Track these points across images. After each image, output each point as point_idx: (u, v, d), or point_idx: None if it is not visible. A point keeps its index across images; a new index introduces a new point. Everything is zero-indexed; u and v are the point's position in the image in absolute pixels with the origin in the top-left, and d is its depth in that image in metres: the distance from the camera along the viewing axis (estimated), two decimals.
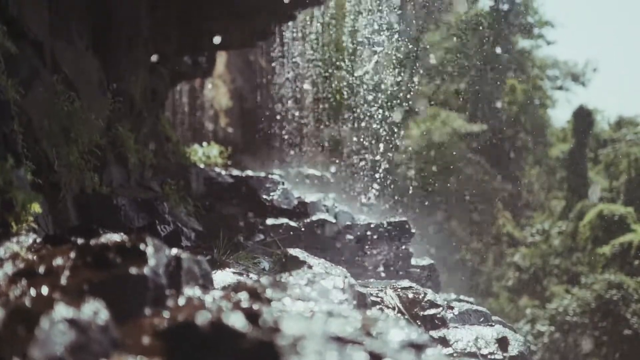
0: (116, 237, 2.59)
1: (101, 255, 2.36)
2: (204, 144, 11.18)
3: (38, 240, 2.89)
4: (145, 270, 2.24)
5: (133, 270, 2.23)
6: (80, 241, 2.62)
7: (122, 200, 5.08)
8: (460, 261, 26.32)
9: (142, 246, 2.36)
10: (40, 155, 4.66)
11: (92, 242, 2.48)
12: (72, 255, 2.40)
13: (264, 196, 6.91)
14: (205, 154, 10.58)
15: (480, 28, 26.47)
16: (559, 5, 68.80)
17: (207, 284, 2.80)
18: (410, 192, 22.24)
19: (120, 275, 2.23)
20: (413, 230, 7.26)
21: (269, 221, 6.48)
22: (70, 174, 4.73)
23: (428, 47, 26.31)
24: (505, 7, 27.09)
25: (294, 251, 3.62)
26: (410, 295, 3.88)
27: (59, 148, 4.67)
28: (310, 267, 3.39)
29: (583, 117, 30.74)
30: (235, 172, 8.73)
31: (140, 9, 7.04)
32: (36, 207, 2.85)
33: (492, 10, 27.08)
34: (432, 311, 3.76)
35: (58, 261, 2.38)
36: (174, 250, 2.62)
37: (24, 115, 4.73)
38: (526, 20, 28.09)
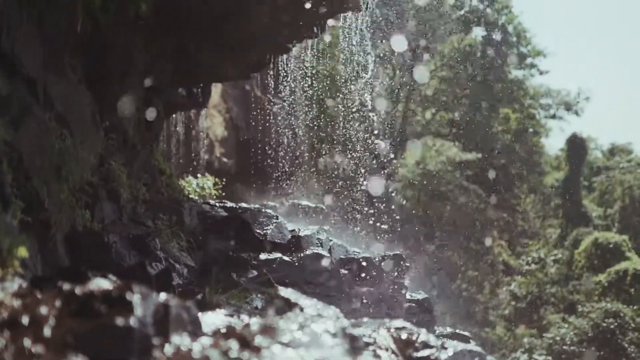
0: (104, 283, 2.54)
1: (87, 304, 2.31)
2: (199, 175, 11.15)
3: (24, 285, 2.84)
4: (132, 321, 2.19)
5: (119, 321, 2.18)
6: (66, 287, 2.57)
7: (114, 237, 5.03)
8: (457, 290, 26.18)
9: (128, 295, 2.31)
10: (30, 193, 4.62)
11: (78, 289, 2.43)
12: (57, 303, 2.35)
13: (258, 230, 6.87)
14: (200, 185, 10.55)
15: (474, 58, 26.77)
16: (552, 35, 69.81)
17: (196, 330, 2.74)
18: (405, 220, 22.20)
19: (105, 326, 2.18)
20: (408, 264, 7.21)
21: (263, 256, 6.42)
22: (61, 211, 4.69)
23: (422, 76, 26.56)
24: (498, 37, 27.43)
25: (285, 292, 3.58)
26: (404, 336, 3.82)
27: (50, 186, 4.63)
28: (301, 309, 3.34)
29: (577, 145, 30.94)
30: (230, 205, 8.68)
31: (135, 41, 7.06)
32: (22, 252, 2.81)
33: (485, 40, 27.41)
34: (426, 352, 3.70)
35: (42, 310, 2.33)
36: (162, 297, 2.57)
37: (15, 152, 4.71)
38: (519, 50, 28.43)
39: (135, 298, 2.31)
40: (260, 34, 8.21)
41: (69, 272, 3.67)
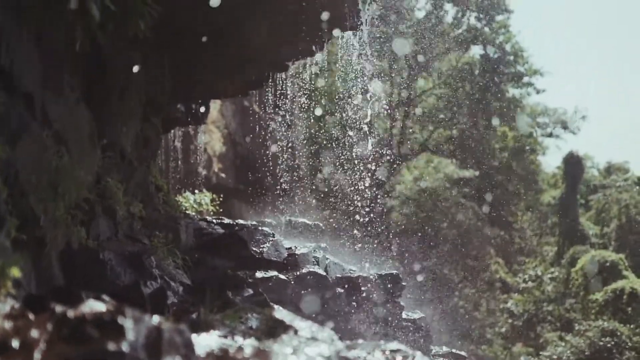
0: (97, 305, 2.52)
1: (79, 328, 2.29)
2: (196, 191, 11.14)
3: (16, 306, 2.82)
4: (123, 346, 2.18)
5: (110, 346, 2.16)
6: (58, 309, 2.56)
7: (109, 254, 5.02)
8: (453, 307, 26.08)
9: (120, 319, 2.30)
10: (26, 210, 4.60)
11: (70, 312, 2.42)
12: (49, 326, 2.33)
13: (254, 248, 6.85)
14: (197, 201, 10.53)
15: (472, 76, 26.92)
16: (549, 54, 70.32)
17: (188, 353, 2.72)
18: (403, 237, 22.18)
19: (97, 351, 2.17)
20: (404, 284, 7.19)
21: (259, 274, 6.40)
22: (56, 229, 4.67)
23: (420, 93, 26.71)
24: (496, 56, 27.60)
25: (280, 314, 3.55)
26: (399, 359, 3.79)
27: (46, 203, 4.62)
28: (296, 331, 3.32)
29: (573, 164, 31.04)
30: (227, 221, 8.66)
31: (134, 59, 7.09)
32: (15, 272, 2.79)
33: (483, 58, 27.59)
34: None
35: (34, 333, 2.31)
36: (155, 320, 2.56)
37: (12, 168, 4.70)
38: (516, 69, 28.60)
39: (127, 322, 2.30)
40: (258, 52, 8.26)
41: (63, 292, 3.65)
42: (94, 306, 2.49)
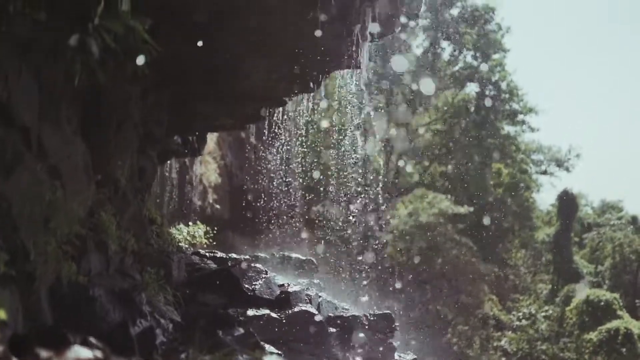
0: (82, 352, 2.48)
1: None
2: (190, 223, 11.08)
3: (1, 349, 2.76)
4: None
5: None
6: (44, 355, 2.51)
7: (99, 290, 4.95)
8: (446, 344, 25.80)
9: None
10: (17, 244, 4.56)
11: None
12: None
13: (247, 285, 6.78)
14: (191, 233, 10.47)
15: (467, 112, 27.18)
16: (543, 92, 71.23)
17: None
18: (396, 272, 22.07)
19: None
20: (397, 324, 7.11)
21: (250, 312, 6.32)
22: (47, 264, 4.62)
23: (416, 129, 26.89)
24: (492, 93, 27.91)
25: (270, 358, 3.49)
26: None
27: (37, 237, 4.58)
28: None
29: (567, 201, 31.09)
30: (219, 255, 8.60)
31: (131, 93, 7.12)
32: (1, 314, 2.74)
33: (478, 96, 27.88)
34: None
35: None
36: None
37: (4, 201, 4.67)
38: (511, 106, 28.89)
39: None
40: (256, 88, 8.31)
41: (50, 332, 3.58)
42: (80, 353, 2.45)
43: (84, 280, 5.18)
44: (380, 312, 7.12)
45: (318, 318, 6.69)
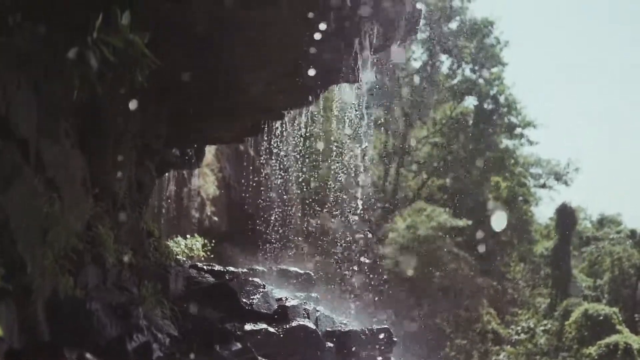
0: None
1: None
2: (188, 236, 11.05)
3: None
4: None
5: None
6: None
7: (96, 304, 4.92)
8: (445, 358, 25.69)
9: None
10: (14, 258, 4.53)
11: None
12: None
13: (244, 299, 6.76)
14: (188, 246, 10.43)
15: (466, 126, 27.26)
16: (542, 106, 71.50)
17: None
18: (395, 285, 22.00)
19: None
20: (395, 339, 7.07)
21: (248, 326, 6.29)
22: (44, 277, 4.59)
23: (415, 142, 26.94)
24: (490, 107, 28.02)
25: None
26: None
27: (35, 250, 4.55)
28: None
29: (566, 215, 31.08)
30: (217, 268, 8.57)
31: (131, 105, 7.11)
32: None
33: (477, 109, 27.98)
34: None
35: None
36: None
37: (2, 214, 4.65)
38: (509, 120, 28.99)
39: None
40: (255, 100, 8.33)
41: (46, 347, 3.55)
42: None
43: (81, 294, 5.15)
44: (379, 327, 7.09)
45: (316, 333, 6.66)
